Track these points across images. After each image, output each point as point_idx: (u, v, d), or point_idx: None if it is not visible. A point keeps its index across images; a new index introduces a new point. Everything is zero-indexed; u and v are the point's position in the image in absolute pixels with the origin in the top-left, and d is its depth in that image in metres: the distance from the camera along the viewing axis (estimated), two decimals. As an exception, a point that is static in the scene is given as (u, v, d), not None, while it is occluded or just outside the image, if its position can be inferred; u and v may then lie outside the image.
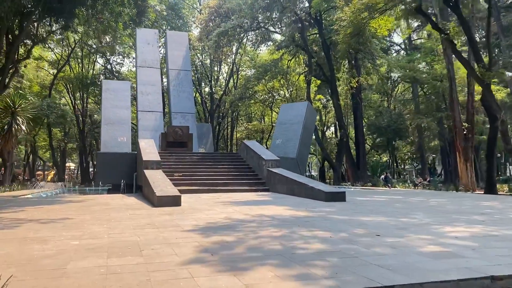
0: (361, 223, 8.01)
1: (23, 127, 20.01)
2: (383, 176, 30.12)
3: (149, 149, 17.19)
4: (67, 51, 44.44)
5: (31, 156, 54.39)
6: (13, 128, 19.47)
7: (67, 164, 66.56)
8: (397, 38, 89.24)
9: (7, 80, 16.31)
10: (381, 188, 24.43)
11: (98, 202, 12.52)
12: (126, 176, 19.31)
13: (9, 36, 15.85)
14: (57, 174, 51.03)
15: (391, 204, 12.14)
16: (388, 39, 47.25)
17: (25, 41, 17.35)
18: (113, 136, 26.26)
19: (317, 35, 36.84)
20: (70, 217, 8.79)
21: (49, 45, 45.66)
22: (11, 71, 16.24)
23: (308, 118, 26.17)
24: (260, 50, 48.24)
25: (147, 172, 14.64)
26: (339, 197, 12.55)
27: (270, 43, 42.39)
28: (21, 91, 25.75)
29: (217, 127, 50.56)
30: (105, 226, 7.51)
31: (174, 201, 10.83)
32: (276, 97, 47.64)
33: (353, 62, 37.14)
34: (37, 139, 48.83)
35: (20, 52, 17.93)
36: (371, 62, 34.15)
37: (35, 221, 8.13)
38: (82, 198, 14.31)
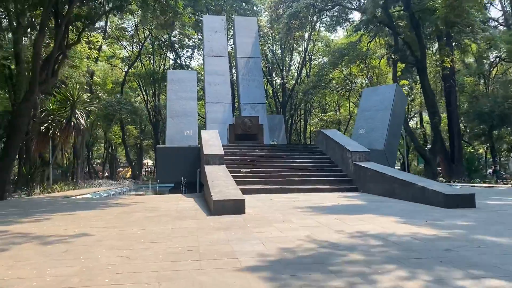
0: (552, 256, 4.51)
1: (82, 121, 18.65)
2: (490, 170, 25.01)
3: (212, 141, 14.68)
4: (138, 47, 44.35)
5: (110, 153, 55.77)
6: (72, 123, 18.16)
7: (144, 161, 67.98)
8: (494, 13, 79.18)
9: (55, 67, 14.71)
10: (496, 185, 19.68)
11: (146, 206, 10.15)
12: (189, 173, 17.01)
13: (58, 19, 14.24)
14: (133, 171, 51.56)
15: (550, 213, 8.22)
16: (480, 13, 40.72)
17: (75, 23, 15.77)
18: (178, 129, 24.42)
19: (401, 11, 32.19)
20: (91, 232, 6.31)
21: (122, 42, 46.24)
22: (60, 57, 14.70)
23: (397, 103, 22.15)
24: (336, 33, 44.33)
25: (208, 168, 12.07)
26: (466, 201, 8.88)
27: (347, 24, 38.30)
28: (85, 86, 24.89)
29: (290, 119, 47.54)
30: (124, 253, 4.86)
31: (236, 208, 8.02)
32: (354, 85, 43.43)
33: (444, 39, 32.03)
34: (112, 136, 49.70)
35: (71, 37, 16.44)
36: (472, 37, 28.83)
37: (39, 240, 5.75)
38: (132, 200, 12.13)
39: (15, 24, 18.09)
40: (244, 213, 8.07)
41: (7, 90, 23.79)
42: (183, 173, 16.89)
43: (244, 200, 8.14)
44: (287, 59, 47.13)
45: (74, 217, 8.23)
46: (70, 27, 15.50)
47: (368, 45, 37.71)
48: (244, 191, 10.58)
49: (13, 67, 20.79)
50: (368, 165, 13.07)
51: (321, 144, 17.96)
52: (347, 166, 14.40)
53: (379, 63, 38.60)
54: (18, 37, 16.80)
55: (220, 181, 10.05)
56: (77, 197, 14.48)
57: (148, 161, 74.69)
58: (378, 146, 20.36)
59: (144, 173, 60.75)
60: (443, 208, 8.80)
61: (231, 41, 39.57)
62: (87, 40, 22.23)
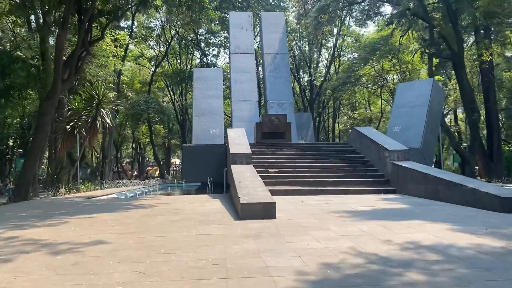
0: None
1: (108, 120, 18.37)
2: (536, 171, 23.27)
3: (238, 140, 14.00)
4: (165, 47, 44.36)
5: (138, 153, 56.24)
6: (97, 122, 17.90)
7: (172, 160, 68.38)
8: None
9: (79, 64, 14.37)
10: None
11: (170, 208, 9.56)
12: (215, 172, 16.42)
13: (81, 15, 13.89)
14: (161, 170, 51.75)
15: None
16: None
17: (98, 19, 15.41)
18: (204, 128, 23.96)
19: (436, 3, 30.64)
20: (107, 239, 5.72)
21: (149, 42, 46.41)
22: (83, 54, 14.36)
23: (434, 99, 20.93)
24: (367, 27, 43.04)
25: (234, 168, 11.39)
26: (526, 205, 7.83)
27: (378, 18, 36.90)
28: (112, 85, 24.75)
29: (317, 118, 46.44)
30: (141, 267, 4.20)
31: (266, 212, 7.29)
32: (385, 81, 41.92)
33: (482, 31, 30.32)
34: (140, 136, 49.99)
35: (94, 34, 16.11)
36: (513, 27, 27.06)
37: (49, 249, 5.19)
38: (156, 201, 11.58)
39: (41, 22, 18.02)
40: (274, 217, 7.32)
41: (37, 89, 23.94)
42: (209, 172, 16.32)
43: (274, 203, 7.39)
44: (315, 55, 46.01)
45: (92, 220, 7.70)
46: (94, 24, 15.18)
47: (401, 39, 36.22)
48: (273, 193, 9.85)
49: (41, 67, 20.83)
50: (408, 164, 12.07)
51: (355, 142, 16.98)
52: (384, 165, 13.42)
53: (412, 57, 37.04)
54: (44, 35, 16.66)
55: (248, 182, 9.35)
56: (101, 197, 14.11)
57: (176, 160, 75.19)
58: (415, 144, 19.22)
59: (172, 172, 61.24)
60: (500, 213, 7.78)
61: (258, 38, 38.95)
62: (113, 38, 22.03)
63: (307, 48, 45.62)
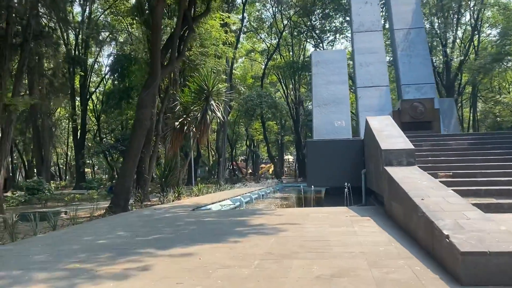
0: None
1: (219, 114, 15.94)
2: None
3: (387, 131, 10.11)
4: (276, 38, 42.17)
5: (252, 150, 55.39)
6: (207, 116, 15.57)
7: (285, 157, 66.56)
8: None
9: (182, 45, 11.96)
10: None
11: (304, 236, 6.23)
12: (348, 174, 12.75)
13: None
14: (274, 168, 49.95)
15: None
16: None
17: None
18: (327, 120, 20.37)
19: None
20: None
21: (260, 35, 44.70)
22: (186, 33, 11.94)
23: None
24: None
25: (394, 173, 7.59)
26: None
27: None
28: (224, 76, 22.59)
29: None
30: None
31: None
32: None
33: None
34: (254, 132, 48.85)
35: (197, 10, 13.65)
36: None
37: None
38: (279, 217, 8.31)
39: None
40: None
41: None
42: (342, 174, 12.71)
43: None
44: (451, 31, 39.12)
45: (185, 265, 4.70)
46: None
47: None
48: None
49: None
50: None
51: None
52: None
53: None
54: (147, 19, 14.86)
55: (437, 199, 5.54)
56: (210, 206, 11.50)
57: (288, 157, 73.16)
58: None
59: (285, 169, 59.19)
60: None
61: (380, 15, 33.96)
62: (222, 22, 19.77)
63: (436, 24, 39.08)
